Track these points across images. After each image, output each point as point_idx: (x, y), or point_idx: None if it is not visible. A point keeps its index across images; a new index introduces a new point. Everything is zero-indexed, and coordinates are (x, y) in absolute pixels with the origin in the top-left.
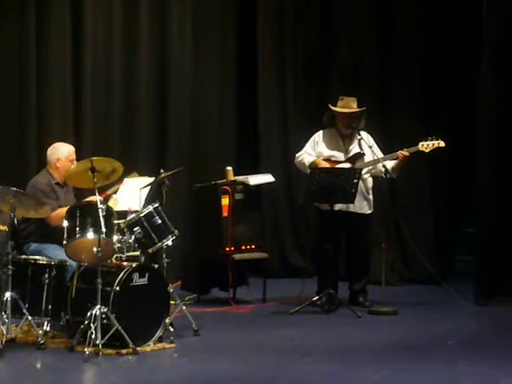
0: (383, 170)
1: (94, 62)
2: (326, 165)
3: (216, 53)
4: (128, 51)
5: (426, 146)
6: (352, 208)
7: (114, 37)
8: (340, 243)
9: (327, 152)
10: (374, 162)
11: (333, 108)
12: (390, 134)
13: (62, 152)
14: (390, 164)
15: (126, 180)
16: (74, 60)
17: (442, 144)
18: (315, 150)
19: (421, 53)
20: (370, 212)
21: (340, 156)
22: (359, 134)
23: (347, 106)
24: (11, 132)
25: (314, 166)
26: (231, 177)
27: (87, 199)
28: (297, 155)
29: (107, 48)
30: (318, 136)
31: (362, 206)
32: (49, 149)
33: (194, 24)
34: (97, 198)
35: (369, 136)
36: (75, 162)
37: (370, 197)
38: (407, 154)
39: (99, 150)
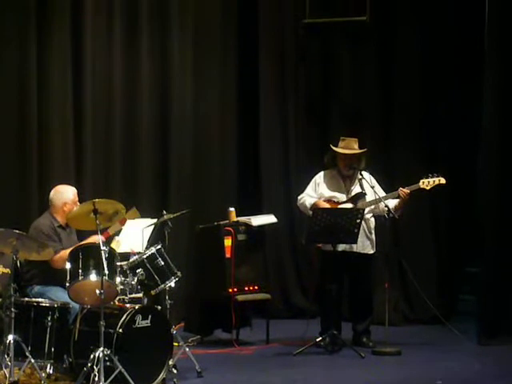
0: (386, 209)
1: (94, 96)
2: (328, 206)
3: (217, 91)
4: (128, 87)
5: (426, 183)
6: (355, 248)
7: (114, 70)
8: (343, 284)
9: (328, 193)
10: (376, 202)
11: (334, 148)
12: (391, 172)
13: (67, 196)
14: (392, 203)
15: (128, 221)
16: (74, 94)
17: (443, 181)
18: (316, 192)
19: (422, 92)
20: (372, 252)
21: (341, 197)
22: (360, 174)
23: (349, 146)
24: (12, 173)
25: (315, 207)
26: (234, 218)
27: (89, 239)
28: (299, 198)
29: (108, 81)
30: (319, 177)
31: (364, 246)
32: (52, 192)
33: (194, 58)
34: (99, 239)
35: (370, 176)
36: (78, 203)
37: (373, 237)
38: (408, 191)
39: (100, 191)
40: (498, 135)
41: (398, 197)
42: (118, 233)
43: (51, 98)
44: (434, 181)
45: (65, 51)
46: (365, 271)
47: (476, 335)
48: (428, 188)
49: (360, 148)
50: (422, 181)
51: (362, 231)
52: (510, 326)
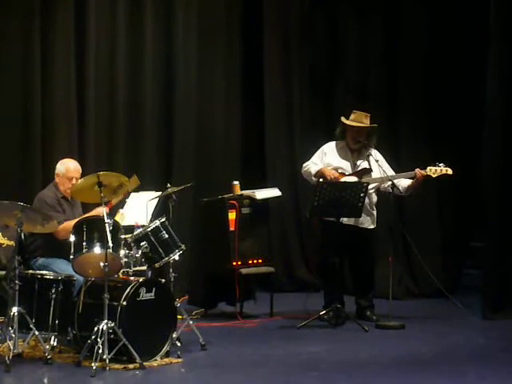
0: (390, 184)
1: (97, 74)
2: (333, 173)
3: (222, 67)
4: (132, 64)
5: (433, 171)
6: (354, 222)
7: (117, 50)
8: (344, 257)
9: (335, 163)
10: (382, 180)
11: (344, 121)
12: (396, 152)
13: (71, 168)
14: (404, 182)
15: (131, 193)
16: (77, 73)
17: (450, 171)
18: (323, 161)
19: (428, 68)
20: (372, 227)
21: (347, 168)
22: (368, 150)
23: (359, 120)
24: (16, 147)
25: (319, 174)
26: (238, 191)
27: (92, 212)
28: (304, 165)
29: (111, 60)
30: (328, 147)
31: (365, 220)
32: (59, 164)
33: (199, 39)
34: (103, 211)
35: (378, 153)
36: (74, 180)
37: (374, 212)
38: (425, 173)
39: (104, 165)
40: (501, 112)
41: (413, 177)
42: (122, 205)
43: (55, 76)
44: (441, 169)
45: (68, 32)
46: (365, 246)
47: (480, 309)
48: (434, 176)
49: (371, 124)
50: (429, 168)
51: (364, 206)
52: None
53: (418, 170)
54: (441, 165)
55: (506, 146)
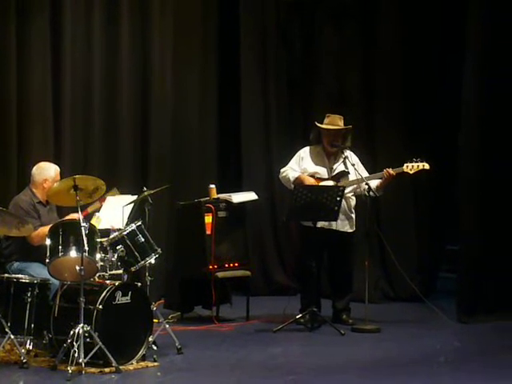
0: (367, 188)
1: (73, 79)
2: (311, 181)
3: (198, 71)
4: (108, 68)
5: (410, 167)
6: (334, 226)
7: (93, 53)
8: (323, 260)
9: (312, 168)
10: (358, 181)
11: (318, 125)
12: (374, 153)
13: (49, 173)
14: (374, 183)
15: (107, 198)
16: (53, 77)
17: (427, 166)
18: (300, 166)
19: (405, 72)
20: (351, 230)
21: (324, 173)
22: (344, 153)
23: (333, 123)
24: None
25: (298, 181)
26: (214, 194)
27: (68, 217)
28: (281, 170)
29: (87, 65)
30: (304, 152)
31: (343, 224)
32: (34, 168)
33: (175, 41)
34: (79, 215)
35: (353, 155)
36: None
37: (353, 215)
38: (393, 173)
39: (80, 168)
40: (477, 114)
41: (382, 177)
42: (97, 210)
43: (30, 78)
44: (418, 165)
45: (44, 33)
46: (344, 249)
47: (455, 313)
48: (411, 172)
49: (345, 125)
50: (406, 165)
51: (342, 210)
52: (488, 304)
53: (385, 170)
54: (418, 160)
55: (481, 150)
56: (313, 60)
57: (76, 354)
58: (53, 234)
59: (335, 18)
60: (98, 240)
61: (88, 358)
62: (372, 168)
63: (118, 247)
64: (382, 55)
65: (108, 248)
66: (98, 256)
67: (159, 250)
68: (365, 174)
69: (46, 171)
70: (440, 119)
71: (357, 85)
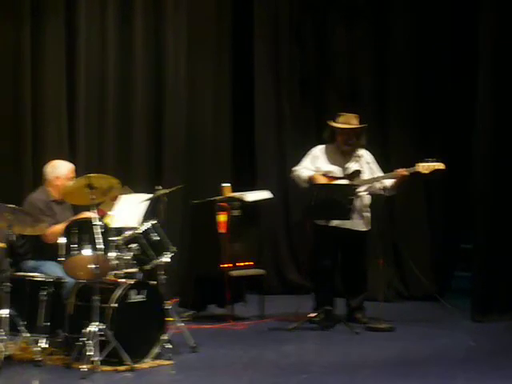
0: (381, 187)
1: (88, 77)
2: (324, 180)
3: (211, 69)
4: (122, 66)
5: (426, 167)
6: (348, 225)
7: (108, 52)
8: (337, 259)
9: (325, 167)
10: (372, 180)
11: (333, 124)
12: (386, 153)
13: (61, 170)
14: (387, 182)
15: (121, 197)
16: (68, 76)
17: (442, 166)
18: (313, 165)
19: (417, 72)
20: (365, 229)
21: (338, 172)
22: (358, 152)
23: (348, 122)
24: (6, 148)
25: (311, 180)
26: (228, 193)
27: (81, 215)
28: (294, 169)
29: (102, 63)
30: (318, 150)
31: (357, 223)
32: (47, 166)
33: (189, 39)
34: (93, 214)
35: (368, 154)
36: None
37: (367, 214)
38: (407, 173)
39: (94, 167)
40: (492, 114)
41: (395, 177)
42: (111, 209)
43: (45, 77)
44: (432, 165)
45: (59, 32)
46: (358, 248)
47: (470, 312)
48: (426, 172)
49: (360, 124)
50: (420, 164)
51: (356, 208)
52: (503, 303)
53: (398, 171)
54: (432, 160)
55: (495, 149)
56: (325, 60)
57: (90, 352)
58: (68, 232)
59: (348, 19)
60: (113, 238)
61: (102, 356)
62: (384, 168)
63: (132, 245)
64: (395, 55)
65: (123, 246)
66: (113, 254)
67: (174, 249)
68: (379, 173)
69: (58, 169)
70: (452, 119)
71: (369, 85)
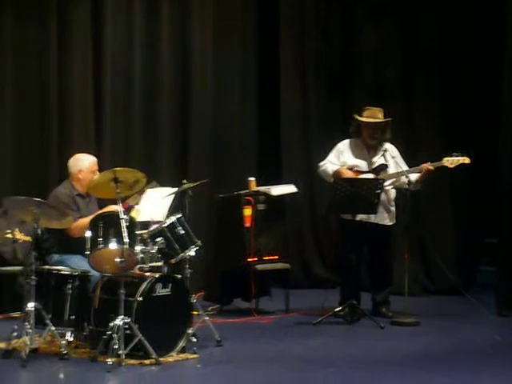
0: (406, 181)
1: (114, 71)
2: (350, 174)
3: (238, 65)
4: (149, 60)
5: (450, 161)
6: (373, 219)
7: (134, 45)
8: (362, 253)
9: (351, 161)
10: (398, 175)
11: (359, 118)
12: (413, 147)
13: (83, 164)
14: (413, 176)
15: (147, 190)
16: (94, 69)
17: (467, 160)
18: (339, 159)
19: (446, 67)
20: (391, 223)
21: (364, 166)
22: (384, 146)
23: (373, 116)
24: (33, 142)
25: (337, 175)
26: (254, 187)
27: (106, 208)
28: (320, 164)
29: (128, 58)
30: (343, 145)
31: (383, 217)
32: (70, 160)
33: (215, 33)
34: (119, 208)
35: (394, 148)
36: (97, 172)
37: (393, 208)
38: (432, 168)
39: (120, 161)
40: None
41: (420, 171)
42: (137, 202)
43: (71, 71)
44: (458, 159)
45: (85, 28)
46: (383, 242)
47: (496, 306)
48: (452, 166)
49: (385, 118)
50: (446, 159)
51: (381, 202)
52: None
53: (424, 165)
54: (458, 154)
55: None
56: (352, 56)
57: (116, 346)
58: (93, 226)
59: (375, 15)
60: (138, 232)
61: (128, 349)
62: (410, 163)
63: (158, 239)
64: (421, 52)
65: (148, 240)
66: (139, 248)
67: (199, 243)
68: (405, 167)
69: (81, 162)
70: (479, 115)
71: (395, 81)
